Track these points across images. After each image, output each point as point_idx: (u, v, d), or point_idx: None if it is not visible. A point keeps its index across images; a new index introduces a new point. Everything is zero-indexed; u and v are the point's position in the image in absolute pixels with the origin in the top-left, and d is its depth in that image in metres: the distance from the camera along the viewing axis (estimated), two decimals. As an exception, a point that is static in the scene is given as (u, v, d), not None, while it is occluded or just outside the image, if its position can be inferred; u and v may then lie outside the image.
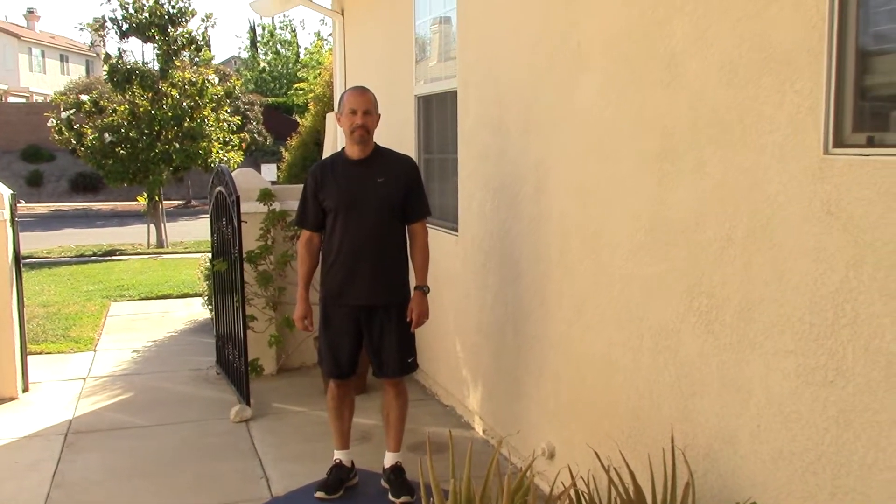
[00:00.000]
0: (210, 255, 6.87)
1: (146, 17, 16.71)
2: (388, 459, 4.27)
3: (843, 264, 2.34)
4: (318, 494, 4.16)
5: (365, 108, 4.04)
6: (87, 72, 50.10)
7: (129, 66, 16.30)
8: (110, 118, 16.01)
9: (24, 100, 41.94)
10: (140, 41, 17.04)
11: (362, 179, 4.07)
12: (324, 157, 4.31)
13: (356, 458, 4.43)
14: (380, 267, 4.09)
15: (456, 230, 5.33)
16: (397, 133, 6.33)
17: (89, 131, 15.97)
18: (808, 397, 2.49)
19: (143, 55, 23.57)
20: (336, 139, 8.96)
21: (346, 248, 4.06)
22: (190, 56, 17.48)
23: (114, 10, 16.98)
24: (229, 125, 17.33)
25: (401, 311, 4.14)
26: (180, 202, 28.48)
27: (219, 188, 6.05)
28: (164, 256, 15.06)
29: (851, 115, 2.35)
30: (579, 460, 3.75)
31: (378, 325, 4.12)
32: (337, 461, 4.30)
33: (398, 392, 4.24)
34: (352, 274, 4.07)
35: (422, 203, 4.23)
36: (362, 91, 4.14)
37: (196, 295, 9.83)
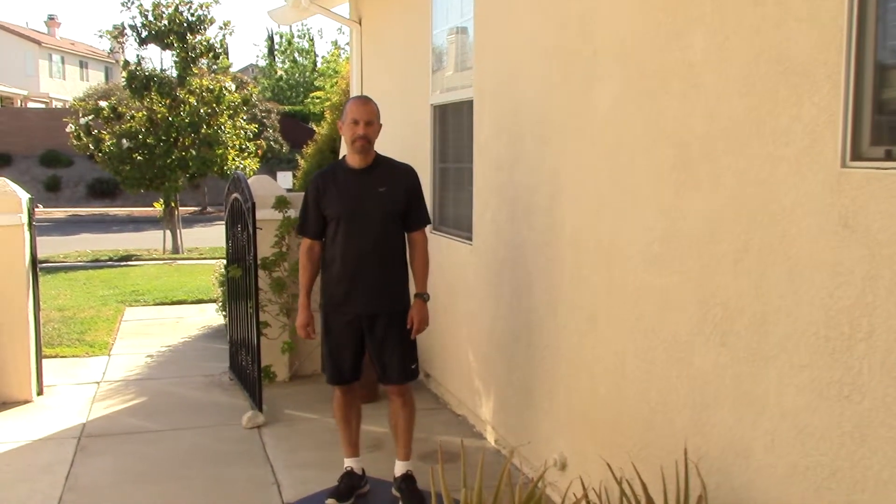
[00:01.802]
0: (225, 261, 6.89)
1: (165, 25, 16.84)
2: (399, 468, 4.27)
3: (860, 278, 2.32)
4: (330, 501, 4.17)
5: (367, 119, 4.05)
6: (106, 78, 50.49)
7: (147, 73, 16.43)
8: (128, 124, 16.13)
9: (43, 105, 42.33)
10: (159, 48, 17.17)
11: (364, 189, 4.10)
12: (319, 170, 4.33)
13: (368, 466, 4.43)
14: (381, 275, 4.11)
15: (470, 239, 5.33)
16: (413, 142, 6.35)
17: (107, 137, 16.08)
18: (824, 412, 2.47)
19: (161, 62, 23.67)
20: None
21: (348, 256, 4.08)
22: (208, 63, 17.60)
23: (133, 18, 17.14)
24: (246, 132, 17.42)
25: (402, 319, 4.15)
26: (196, 208, 28.61)
27: (235, 195, 6.07)
28: (180, 262, 15.13)
29: (869, 128, 2.34)
30: (591, 471, 3.73)
31: (380, 332, 4.13)
32: (348, 468, 4.31)
33: (404, 401, 4.24)
34: (353, 282, 4.09)
35: (422, 211, 4.26)
36: (365, 101, 4.17)
37: (210, 301, 9.87)
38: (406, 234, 4.23)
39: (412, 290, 4.22)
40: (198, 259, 15.55)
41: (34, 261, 6.24)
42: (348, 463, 4.32)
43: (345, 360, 4.19)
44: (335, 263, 4.13)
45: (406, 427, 4.25)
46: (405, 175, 4.23)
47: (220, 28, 17.52)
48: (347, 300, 4.12)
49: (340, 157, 4.27)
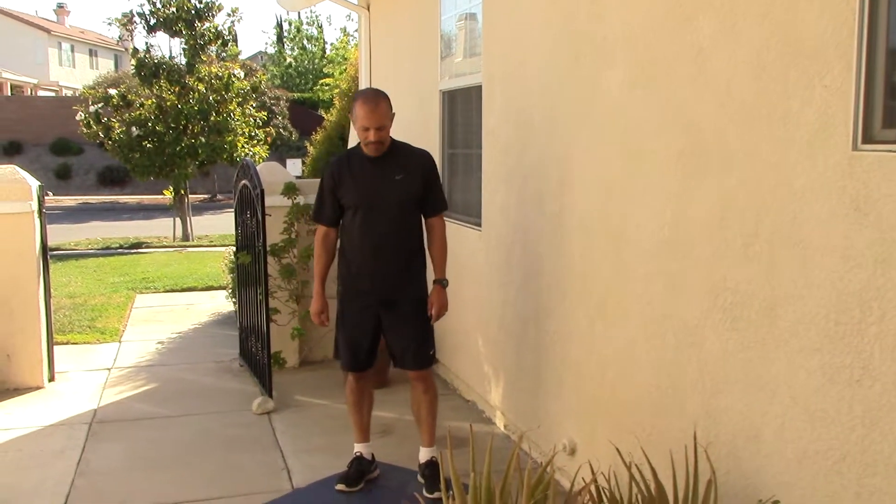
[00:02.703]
0: (234, 248, 6.91)
1: (173, 12, 16.84)
2: (424, 455, 4.28)
3: (871, 261, 2.31)
4: (339, 487, 4.18)
5: (378, 125, 3.96)
6: (116, 66, 50.56)
7: (156, 61, 16.44)
8: (138, 112, 16.15)
9: (53, 94, 42.42)
10: (167, 36, 17.17)
11: (381, 177, 4.07)
12: (334, 156, 4.30)
13: (377, 452, 4.44)
14: (400, 262, 4.10)
15: (479, 225, 5.33)
16: (422, 128, 6.33)
17: (117, 125, 16.11)
18: (834, 396, 2.46)
19: (170, 50, 23.76)
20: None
21: (365, 244, 4.07)
22: (216, 51, 17.60)
23: (142, 5, 17.17)
24: (255, 120, 17.42)
25: (420, 305, 4.15)
26: (206, 196, 28.65)
27: (244, 182, 6.08)
28: (190, 249, 15.16)
29: (881, 110, 2.32)
30: (600, 456, 3.73)
31: (398, 319, 4.13)
32: (357, 454, 4.31)
33: (426, 387, 4.24)
34: (371, 270, 4.09)
35: (439, 197, 4.23)
36: (374, 104, 3.98)
37: (220, 288, 9.89)
38: (423, 220, 4.21)
39: (430, 276, 4.21)
40: (208, 246, 15.58)
41: (45, 248, 6.26)
42: (358, 448, 4.33)
43: (361, 347, 4.19)
44: (353, 251, 4.13)
45: (429, 413, 4.25)
46: (422, 161, 4.18)
47: (229, 15, 17.57)
48: (365, 288, 4.12)
49: (355, 143, 4.24)
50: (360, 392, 4.31)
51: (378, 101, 4.02)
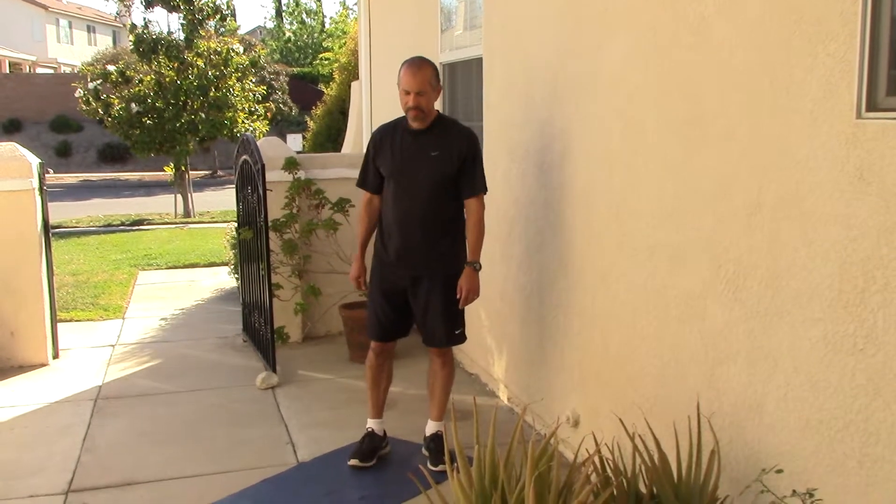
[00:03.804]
0: (236, 223, 6.90)
1: (171, -13, 16.69)
2: (430, 428, 4.30)
3: (875, 230, 2.30)
4: (353, 462, 4.19)
5: (418, 89, 3.91)
6: (114, 42, 50.24)
7: (154, 37, 16.31)
8: (137, 88, 16.06)
9: (51, 71, 42.22)
10: (165, 11, 17.02)
11: (416, 152, 4.03)
12: (382, 123, 4.23)
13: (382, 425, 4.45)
14: (426, 239, 4.06)
15: (481, 199, 5.30)
16: (422, 101, 6.29)
17: (116, 102, 16.03)
18: (837, 365, 2.46)
19: (168, 25, 23.59)
20: (361, 109, 8.93)
21: (396, 217, 4.07)
22: (215, 26, 17.46)
23: (139, -20, 16.99)
24: (255, 95, 17.33)
25: (448, 283, 4.08)
26: (207, 172, 28.59)
27: (244, 157, 6.06)
28: (191, 226, 15.16)
29: (885, 78, 2.29)
30: (604, 428, 3.75)
31: (423, 296, 4.11)
32: (370, 430, 4.33)
33: (444, 362, 4.25)
34: (399, 243, 4.08)
35: (476, 178, 4.09)
36: (418, 67, 3.95)
37: (222, 264, 9.90)
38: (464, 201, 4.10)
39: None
40: (209, 222, 15.57)
41: (46, 225, 6.26)
42: (371, 424, 4.34)
43: (386, 317, 4.19)
44: (386, 221, 4.14)
45: (443, 388, 4.26)
46: (461, 139, 4.07)
47: (227, -11, 17.34)
48: (394, 259, 4.12)
49: (361, 119, 4.22)
50: (380, 368, 4.30)
51: (422, 66, 3.98)
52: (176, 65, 16.20)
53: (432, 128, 4.06)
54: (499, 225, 5.05)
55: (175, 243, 12.58)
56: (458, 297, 4.07)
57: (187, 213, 16.69)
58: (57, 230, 13.18)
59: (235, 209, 6.68)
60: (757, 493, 2.65)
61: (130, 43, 16.70)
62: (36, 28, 45.65)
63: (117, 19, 26.09)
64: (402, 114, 4.13)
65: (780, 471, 2.62)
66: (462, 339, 4.26)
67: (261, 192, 5.55)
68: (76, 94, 16.27)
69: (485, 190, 4.15)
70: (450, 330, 4.16)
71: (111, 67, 16.56)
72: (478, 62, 5.29)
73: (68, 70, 40.60)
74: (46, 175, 6.36)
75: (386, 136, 4.13)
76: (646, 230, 3.46)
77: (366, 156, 4.23)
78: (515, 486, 2.73)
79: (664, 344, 3.37)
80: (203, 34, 16.73)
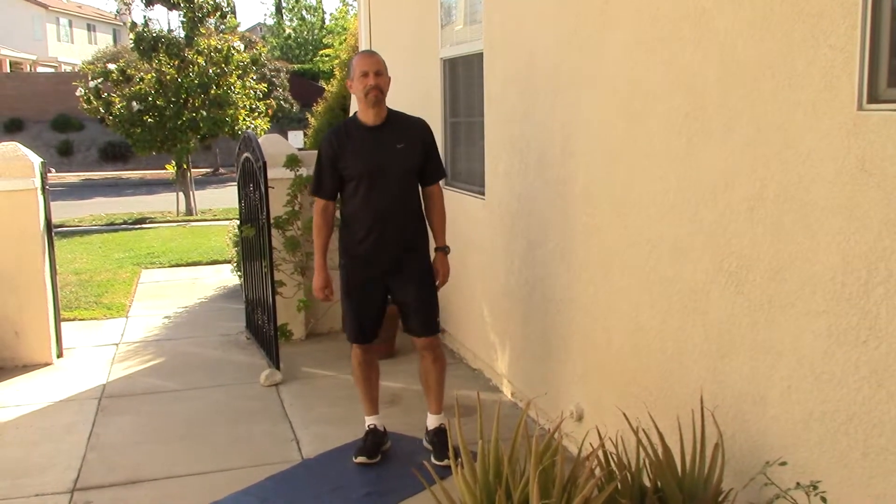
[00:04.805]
0: (238, 221, 6.90)
1: (171, -15, 16.68)
2: (431, 422, 4.31)
3: (877, 222, 2.30)
4: (360, 459, 4.20)
5: (376, 70, 4.01)
6: (115, 41, 50.26)
7: (155, 35, 16.30)
8: (137, 87, 16.06)
9: (52, 70, 42.22)
10: (165, 9, 17.01)
11: (381, 147, 4.05)
12: (329, 129, 4.29)
13: (384, 421, 4.46)
14: (403, 231, 4.12)
15: (483, 194, 5.31)
16: (423, 97, 6.30)
17: (117, 100, 16.03)
18: (840, 357, 2.46)
19: (168, 23, 23.54)
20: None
21: (369, 214, 4.07)
22: (215, 23, 17.45)
23: (139, -22, 16.97)
24: (255, 92, 17.33)
25: (425, 271, 4.18)
26: (208, 170, 28.59)
27: (246, 154, 6.06)
28: (193, 224, 15.18)
29: (887, 69, 2.29)
30: (608, 422, 3.75)
31: (404, 287, 4.15)
32: (371, 426, 4.33)
33: (435, 356, 4.26)
34: (376, 240, 4.08)
35: (438, 165, 4.27)
36: (371, 53, 4.18)
37: (225, 262, 9.91)
38: (421, 189, 4.21)
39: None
40: (211, 220, 15.59)
41: (49, 225, 6.26)
42: (370, 420, 4.35)
43: (367, 318, 4.21)
44: (356, 222, 4.12)
45: (437, 381, 4.28)
46: (420, 129, 4.19)
47: (226, -14, 17.32)
48: (370, 258, 4.12)
49: (351, 114, 4.22)
50: (367, 364, 4.32)
51: (374, 52, 4.22)
52: (176, 63, 16.19)
53: (388, 121, 4.11)
54: (501, 220, 5.05)
55: (177, 241, 12.59)
56: (436, 281, 4.20)
57: (189, 211, 16.70)
58: (59, 229, 13.19)
59: (237, 207, 6.68)
60: (761, 485, 2.65)
61: (131, 41, 16.70)
62: (36, 27, 45.65)
63: (117, 18, 26.10)
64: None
65: (783, 463, 2.62)
66: (439, 326, 4.38)
67: (263, 189, 5.55)
68: (77, 93, 16.26)
69: (445, 175, 4.39)
70: (432, 318, 4.24)
71: (112, 66, 16.56)
72: (478, 57, 5.29)
73: (69, 69, 40.62)
74: (48, 174, 6.37)
75: (343, 138, 4.11)
76: (648, 223, 3.46)
77: (319, 163, 4.19)
78: (520, 481, 2.74)
79: (667, 337, 3.37)
80: (203, 32, 16.73)
